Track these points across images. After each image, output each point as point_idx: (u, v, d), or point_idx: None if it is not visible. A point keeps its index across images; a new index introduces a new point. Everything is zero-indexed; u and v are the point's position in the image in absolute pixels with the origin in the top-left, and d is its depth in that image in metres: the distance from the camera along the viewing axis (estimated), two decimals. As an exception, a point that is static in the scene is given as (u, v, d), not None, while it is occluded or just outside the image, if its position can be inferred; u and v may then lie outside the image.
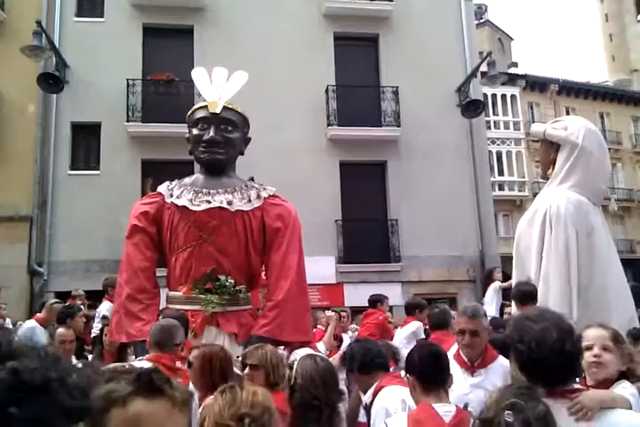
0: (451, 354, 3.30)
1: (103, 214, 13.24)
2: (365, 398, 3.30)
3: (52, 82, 12.73)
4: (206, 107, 4.90)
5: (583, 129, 4.20)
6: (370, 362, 3.33)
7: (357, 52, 15.88)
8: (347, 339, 7.57)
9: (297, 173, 13.56)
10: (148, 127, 13.82)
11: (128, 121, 13.89)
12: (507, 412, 1.60)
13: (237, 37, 14.66)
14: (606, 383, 2.55)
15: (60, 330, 4.98)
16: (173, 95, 14.15)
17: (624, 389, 2.47)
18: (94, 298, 9.00)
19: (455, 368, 3.41)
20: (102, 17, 14.59)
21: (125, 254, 4.82)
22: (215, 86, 5.03)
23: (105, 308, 7.61)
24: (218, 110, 4.81)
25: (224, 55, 14.32)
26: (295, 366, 2.84)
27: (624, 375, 2.63)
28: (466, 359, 3.42)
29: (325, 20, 15.48)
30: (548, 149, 4.33)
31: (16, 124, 13.55)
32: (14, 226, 13.06)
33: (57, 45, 13.60)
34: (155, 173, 13.95)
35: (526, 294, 6.13)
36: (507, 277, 11.24)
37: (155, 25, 14.70)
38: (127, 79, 13.97)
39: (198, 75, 5.17)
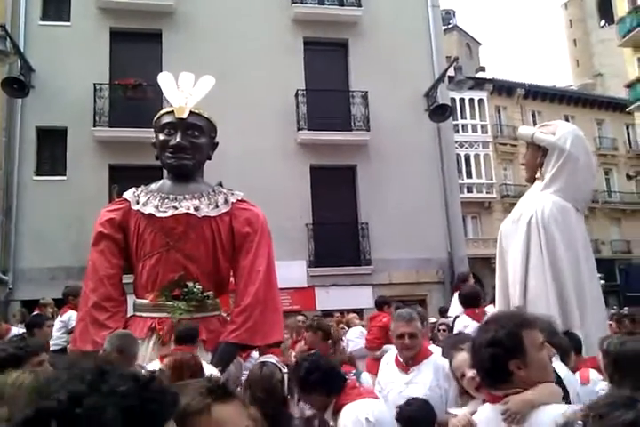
0: None
1: (69, 221, 13.04)
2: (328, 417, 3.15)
3: (17, 86, 12.52)
4: (173, 112, 4.86)
5: (571, 135, 4.23)
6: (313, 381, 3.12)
7: (327, 56, 15.93)
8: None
9: (267, 177, 13.54)
10: (115, 132, 13.67)
11: (95, 126, 13.72)
12: None
13: (206, 42, 14.59)
14: None
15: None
16: (141, 100, 14.00)
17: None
18: (61, 306, 8.85)
19: (393, 370, 3.62)
20: (69, 20, 14.39)
21: (91, 262, 4.74)
22: (182, 91, 4.99)
23: (73, 317, 7.45)
24: (184, 115, 4.78)
25: (193, 60, 14.25)
26: (249, 375, 2.87)
27: None
28: (402, 360, 3.59)
29: (295, 25, 15.51)
30: (535, 153, 4.35)
31: (-20, 129, 13.29)
32: (-22, 233, 12.78)
33: (22, 49, 13.36)
34: (122, 178, 13.78)
35: (469, 298, 6.21)
36: (475, 278, 11.40)
37: (122, 29, 14.53)
38: (94, 83, 13.79)
39: (165, 80, 5.12)
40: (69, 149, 13.86)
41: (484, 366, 2.04)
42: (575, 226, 4.13)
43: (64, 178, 13.70)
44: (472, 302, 6.14)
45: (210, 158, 5.12)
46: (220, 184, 5.14)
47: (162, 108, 14.89)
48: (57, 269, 12.87)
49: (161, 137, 4.86)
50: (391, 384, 3.57)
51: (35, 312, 8.30)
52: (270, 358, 3.68)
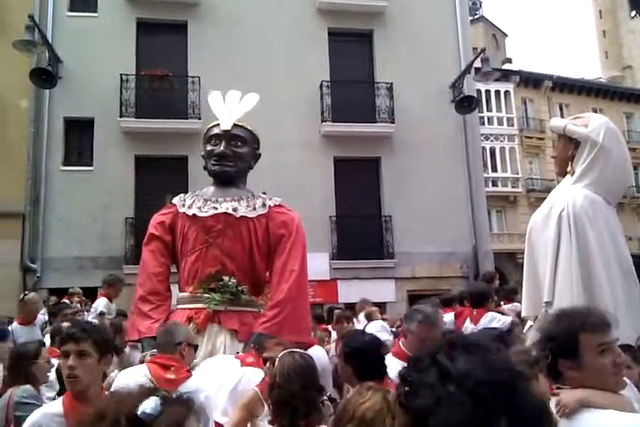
0: None
1: (96, 210, 13.25)
2: None
3: (45, 77, 12.65)
4: (219, 125, 5.29)
5: (604, 127, 4.13)
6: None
7: (352, 47, 15.86)
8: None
9: (291, 168, 13.57)
10: (141, 123, 13.78)
11: (121, 116, 13.85)
12: None
13: (231, 33, 14.61)
14: None
15: (67, 324, 5.17)
16: (167, 91, 14.13)
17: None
18: (88, 295, 9.00)
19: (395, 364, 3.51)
20: (96, 12, 14.51)
21: (142, 260, 5.22)
22: (227, 106, 5.42)
23: (102, 304, 7.63)
24: (228, 127, 5.20)
25: (218, 50, 14.35)
26: (277, 363, 2.85)
27: None
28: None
29: (320, 15, 15.45)
30: (567, 146, 4.25)
31: (8, 120, 13.47)
32: (6, 222, 12.96)
33: (50, 40, 13.51)
34: (148, 168, 13.96)
35: (476, 297, 6.13)
36: (499, 273, 11.31)
37: (149, 20, 14.63)
38: (121, 74, 13.92)
39: (213, 98, 5.55)
40: (96, 139, 14.02)
41: (541, 357, 2.02)
42: (609, 220, 4.05)
43: (91, 168, 13.87)
44: (476, 303, 6.09)
45: (252, 168, 5.49)
46: (264, 193, 5.46)
47: (187, 100, 15.00)
48: (84, 258, 13.10)
49: (208, 147, 5.30)
50: None
51: (62, 301, 8.44)
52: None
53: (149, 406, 1.21)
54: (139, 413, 1.19)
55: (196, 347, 3.92)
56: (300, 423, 2.66)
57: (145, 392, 1.28)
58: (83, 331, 2.67)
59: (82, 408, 2.51)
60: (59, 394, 3.84)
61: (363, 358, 3.14)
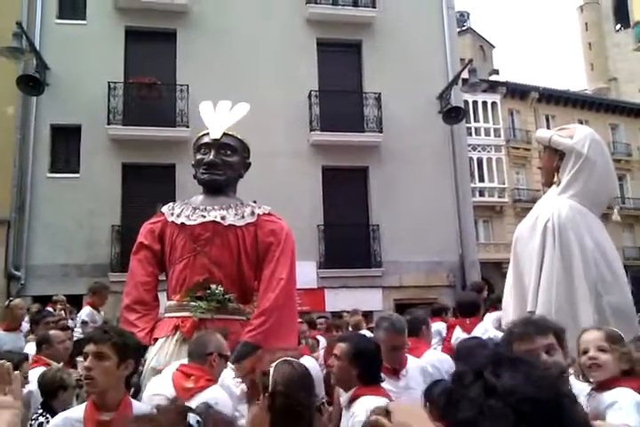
0: None
1: (82, 218, 13.17)
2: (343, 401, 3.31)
3: (32, 84, 12.61)
4: (209, 134, 5.29)
5: (589, 138, 4.17)
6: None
7: (340, 57, 15.95)
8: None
9: (279, 177, 13.58)
10: (128, 130, 13.74)
11: (109, 124, 13.80)
12: None
13: (220, 42, 14.65)
14: (608, 384, 2.57)
15: (54, 332, 5.16)
16: (155, 99, 14.10)
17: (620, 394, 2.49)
18: (73, 303, 8.92)
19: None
20: (84, 19, 14.50)
21: (130, 269, 5.20)
22: (218, 115, 5.43)
23: (85, 313, 7.56)
24: (218, 136, 5.20)
25: (207, 59, 14.36)
26: (273, 372, 2.83)
27: (628, 374, 2.64)
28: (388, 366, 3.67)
29: (309, 25, 15.53)
30: (552, 157, 4.29)
31: (-5, 127, 13.40)
32: (-9, 229, 12.88)
33: (37, 47, 13.49)
34: (135, 176, 13.92)
35: (464, 306, 6.12)
36: (486, 282, 11.33)
37: (137, 28, 14.63)
38: (109, 82, 13.87)
39: (204, 107, 5.55)
40: (83, 146, 13.96)
41: None
42: (594, 230, 4.08)
43: (77, 175, 13.79)
44: (467, 312, 6.08)
45: (242, 177, 5.47)
46: (254, 202, 5.44)
47: (175, 107, 14.96)
48: (69, 266, 13.01)
49: (197, 156, 5.29)
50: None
51: (46, 308, 8.35)
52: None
53: None
54: None
55: (226, 357, 3.89)
56: None
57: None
58: (103, 333, 2.68)
59: (100, 415, 2.56)
60: (42, 405, 3.78)
61: (370, 361, 3.19)
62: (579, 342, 2.76)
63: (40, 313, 6.75)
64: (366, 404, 2.99)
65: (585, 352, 2.66)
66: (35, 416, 3.61)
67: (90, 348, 2.63)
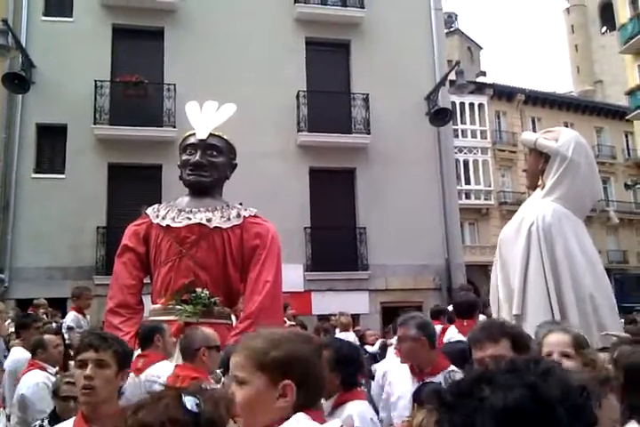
0: None
1: (67, 219, 13.02)
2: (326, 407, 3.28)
3: (18, 82, 12.49)
4: (195, 134, 5.28)
5: (573, 141, 4.19)
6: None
7: (329, 57, 15.93)
8: None
9: (266, 178, 13.52)
10: (115, 130, 13.64)
11: (95, 123, 13.69)
12: None
13: (208, 40, 14.57)
14: None
15: (49, 336, 5.13)
16: (142, 98, 14.00)
17: None
18: (57, 306, 8.84)
19: (406, 378, 3.61)
20: (71, 17, 14.37)
21: (114, 272, 5.19)
22: (204, 116, 5.40)
23: (70, 318, 7.51)
24: (204, 137, 5.18)
25: (194, 58, 14.28)
26: None
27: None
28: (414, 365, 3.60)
29: (297, 24, 15.50)
30: (537, 160, 4.30)
31: (-21, 125, 13.25)
32: (-26, 230, 12.71)
33: (23, 45, 13.33)
34: (121, 177, 13.81)
35: (461, 308, 6.11)
36: (472, 286, 11.38)
37: (125, 26, 14.52)
38: (95, 80, 13.77)
39: (190, 108, 5.54)
40: (69, 146, 13.83)
41: None
42: (578, 233, 4.10)
43: (63, 176, 13.66)
44: (464, 313, 6.07)
45: (228, 178, 5.47)
46: (240, 204, 5.44)
47: (163, 107, 14.85)
48: (53, 268, 12.87)
49: (183, 157, 5.28)
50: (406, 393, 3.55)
51: (27, 312, 8.24)
52: None
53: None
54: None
55: (217, 348, 3.86)
56: None
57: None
58: (103, 340, 2.50)
59: None
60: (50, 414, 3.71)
61: (350, 366, 3.15)
62: (542, 343, 2.63)
63: (29, 317, 6.65)
64: (356, 408, 2.97)
65: (548, 355, 2.49)
66: (36, 423, 3.44)
67: (89, 355, 2.43)
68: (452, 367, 3.53)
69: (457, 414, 0.99)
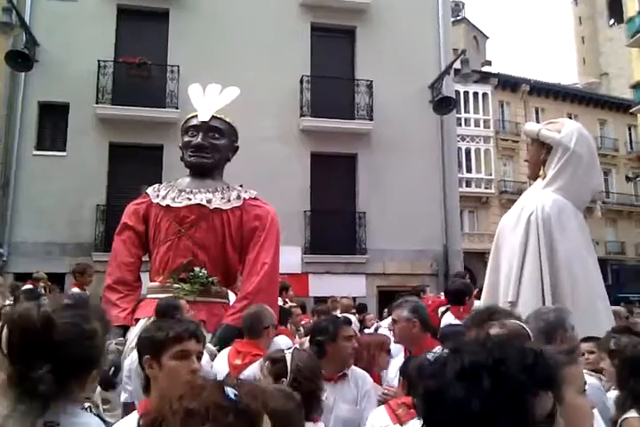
0: None
1: (67, 197, 13.08)
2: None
3: (21, 60, 12.44)
4: (197, 116, 5.30)
5: (576, 133, 4.19)
6: None
7: (334, 43, 15.85)
8: None
9: (267, 161, 13.53)
10: (117, 110, 13.64)
11: (97, 103, 13.68)
12: None
13: (213, 24, 14.50)
14: None
15: None
16: (145, 79, 13.97)
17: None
18: (55, 281, 8.89)
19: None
20: (76, -4, 14.27)
21: (113, 250, 5.22)
22: (207, 98, 5.42)
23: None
24: (206, 119, 5.20)
25: (199, 41, 14.22)
26: (291, 359, 2.82)
27: None
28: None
29: (303, 9, 15.41)
30: (539, 150, 4.32)
31: (-19, 102, 13.23)
32: (-26, 206, 12.76)
33: (27, 23, 13.27)
34: (122, 156, 13.82)
35: (456, 294, 6.17)
36: (469, 272, 11.42)
37: (130, 6, 14.46)
38: (98, 60, 13.73)
39: (193, 90, 5.56)
40: (70, 125, 13.83)
41: None
42: (576, 224, 4.13)
43: (64, 154, 13.69)
44: (454, 300, 6.13)
45: (229, 160, 5.49)
46: (241, 186, 5.48)
47: (165, 88, 14.80)
48: (52, 244, 12.95)
49: (185, 138, 5.31)
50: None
51: (26, 286, 8.27)
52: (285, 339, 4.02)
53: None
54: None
55: (275, 326, 4.07)
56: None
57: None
58: (200, 331, 2.33)
59: None
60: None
61: None
62: None
63: (33, 292, 6.68)
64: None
65: None
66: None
67: (193, 346, 2.22)
68: (439, 348, 3.61)
69: (432, 380, 1.11)
